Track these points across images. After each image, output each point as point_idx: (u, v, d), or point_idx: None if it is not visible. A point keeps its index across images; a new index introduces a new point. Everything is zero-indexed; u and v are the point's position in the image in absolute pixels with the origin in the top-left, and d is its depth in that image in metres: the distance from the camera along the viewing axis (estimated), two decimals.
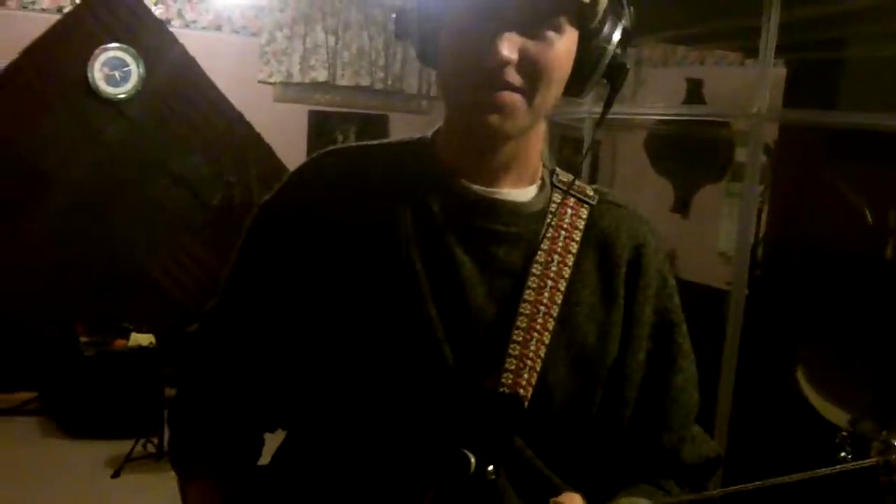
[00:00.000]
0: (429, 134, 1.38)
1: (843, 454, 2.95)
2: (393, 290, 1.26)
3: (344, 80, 6.24)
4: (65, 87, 5.68)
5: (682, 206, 5.27)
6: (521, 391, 1.22)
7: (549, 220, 1.32)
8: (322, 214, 1.32)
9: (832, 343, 3.34)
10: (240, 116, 6.06)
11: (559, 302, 1.27)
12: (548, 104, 1.23)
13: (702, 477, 1.40)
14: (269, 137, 6.17)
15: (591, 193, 1.38)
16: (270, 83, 6.17)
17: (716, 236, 5.34)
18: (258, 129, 6.13)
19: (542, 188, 1.36)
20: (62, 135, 5.71)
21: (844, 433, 3.00)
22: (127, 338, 5.46)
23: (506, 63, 1.16)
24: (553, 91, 1.22)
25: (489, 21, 1.17)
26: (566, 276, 1.29)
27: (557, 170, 1.40)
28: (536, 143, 1.32)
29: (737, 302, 3.17)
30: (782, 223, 3.72)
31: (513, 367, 1.23)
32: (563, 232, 1.32)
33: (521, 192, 1.33)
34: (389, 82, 6.36)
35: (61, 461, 5.02)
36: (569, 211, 1.34)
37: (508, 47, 1.16)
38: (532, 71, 1.19)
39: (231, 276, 1.41)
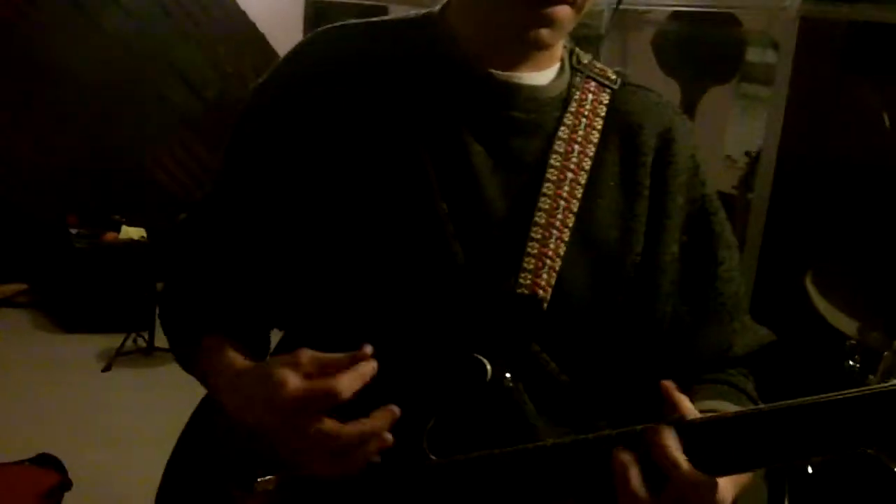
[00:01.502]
0: (436, 8, 1.26)
1: (850, 363, 2.90)
2: (400, 182, 1.15)
3: None
4: None
5: (688, 107, 5.14)
6: (541, 292, 1.13)
7: (569, 107, 1.22)
8: (321, 95, 1.20)
9: (843, 251, 3.26)
10: (235, 5, 5.88)
11: (579, 196, 1.17)
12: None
13: (758, 364, 1.31)
14: (265, 28, 6.00)
15: (614, 77, 1.27)
16: None
17: (722, 140, 5.21)
18: (253, 18, 5.95)
19: (561, 70, 1.25)
20: (60, 23, 5.53)
21: (853, 342, 2.94)
22: (118, 230, 5.38)
23: None
24: None
25: None
26: (587, 167, 1.19)
27: (577, 49, 1.29)
28: None
29: (758, 210, 3.07)
30: (798, 129, 3.60)
31: (531, 266, 1.13)
32: (583, 119, 1.22)
33: (540, 76, 1.22)
34: None
35: (52, 355, 5.00)
36: (590, 96, 1.24)
37: None
38: None
39: (224, 162, 1.29)
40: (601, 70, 1.27)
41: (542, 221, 1.15)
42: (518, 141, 1.18)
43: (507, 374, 1.10)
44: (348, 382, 1.01)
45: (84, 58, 5.59)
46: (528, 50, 1.18)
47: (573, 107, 1.22)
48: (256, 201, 1.24)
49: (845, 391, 0.85)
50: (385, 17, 1.30)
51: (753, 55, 4.68)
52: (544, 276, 1.13)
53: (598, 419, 1.16)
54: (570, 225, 1.16)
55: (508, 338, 1.13)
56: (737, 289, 1.30)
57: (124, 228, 5.38)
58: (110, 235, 5.33)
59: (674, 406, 1.00)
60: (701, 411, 1.02)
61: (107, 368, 4.83)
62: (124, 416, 4.37)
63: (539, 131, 1.19)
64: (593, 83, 1.25)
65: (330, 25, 1.28)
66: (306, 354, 1.04)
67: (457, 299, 1.13)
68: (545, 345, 1.15)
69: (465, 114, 1.17)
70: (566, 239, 1.15)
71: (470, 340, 1.11)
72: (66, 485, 2.92)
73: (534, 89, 1.20)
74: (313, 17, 6.17)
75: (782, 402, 0.91)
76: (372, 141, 1.18)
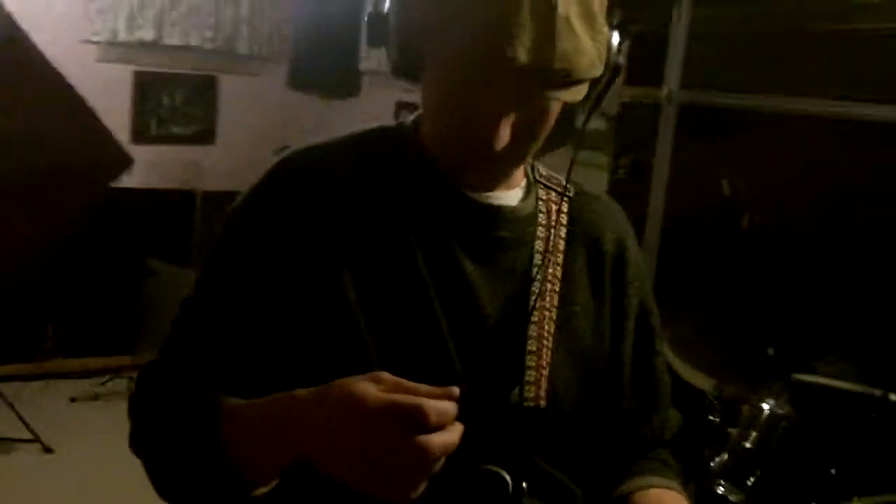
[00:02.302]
0: (408, 120, 1.32)
1: (711, 418, 3.10)
2: (400, 302, 1.20)
3: (173, 40, 5.96)
4: None
5: None
6: (542, 402, 1.20)
7: (538, 220, 1.31)
8: (303, 216, 1.24)
9: (693, 311, 3.47)
10: (60, 77, 5.71)
11: (557, 305, 1.26)
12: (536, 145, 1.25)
13: (675, 446, 1.46)
14: (93, 100, 5.84)
15: (564, 185, 1.37)
16: (94, 42, 5.83)
17: None
18: (80, 90, 5.79)
19: (528, 187, 1.34)
20: None
21: (711, 398, 3.15)
22: None
23: (499, 144, 1.16)
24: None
25: (489, 92, 1.13)
26: (559, 276, 1.28)
27: (536, 164, 1.38)
28: None
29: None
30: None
31: (532, 378, 1.20)
32: (552, 230, 1.31)
33: (512, 194, 1.32)
34: (219, 42, 6.13)
35: None
36: (553, 206, 1.34)
37: (503, 133, 1.16)
38: (524, 138, 1.20)
39: (205, 275, 1.30)
40: (556, 180, 1.37)
41: (535, 334, 1.22)
42: (505, 257, 1.26)
43: (525, 484, 1.16)
44: (435, 409, 0.94)
45: None
46: (486, 174, 1.26)
47: (542, 219, 1.31)
48: (236, 316, 1.24)
49: None
50: (353, 133, 1.34)
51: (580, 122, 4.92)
52: (543, 386, 1.20)
53: None
54: (553, 333, 1.23)
55: (518, 450, 1.18)
56: (668, 379, 1.43)
57: None
58: None
59: None
60: (638, 487, 1.29)
61: None
62: None
63: (522, 247, 1.27)
64: (553, 194, 1.34)
65: (300, 148, 1.32)
66: (387, 375, 1.00)
67: (462, 413, 1.16)
68: (546, 454, 1.23)
69: (456, 235, 1.24)
70: (552, 347, 1.23)
71: (480, 454, 1.15)
72: None
73: (512, 209, 1.28)
74: (142, 87, 6.07)
75: None
76: (361, 258, 1.21)
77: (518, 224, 1.29)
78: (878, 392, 2.79)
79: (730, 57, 3.50)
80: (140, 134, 6.11)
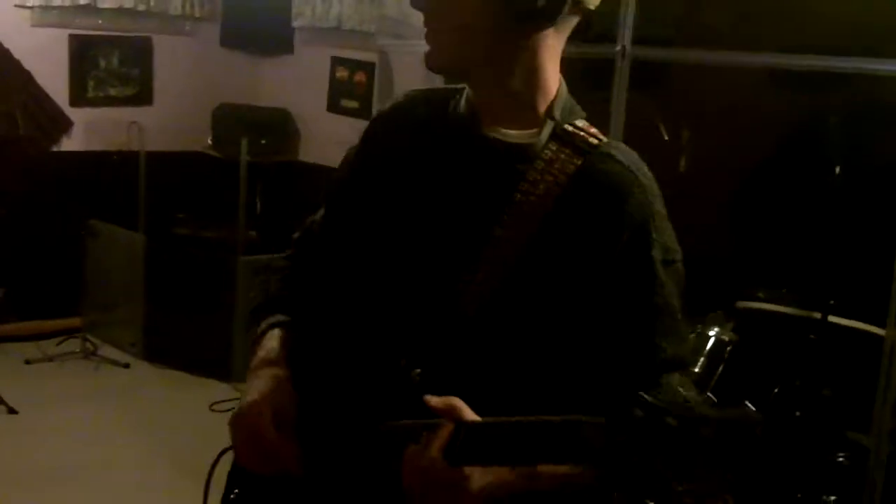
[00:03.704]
0: None
1: None
2: (405, 207, 1.51)
3: (106, 3, 5.98)
4: None
5: None
6: (470, 312, 1.42)
7: (535, 164, 1.45)
8: (383, 140, 1.61)
9: None
10: None
11: (525, 239, 1.42)
12: (458, 41, 1.44)
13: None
14: (29, 64, 5.85)
15: (595, 143, 1.47)
16: (28, 7, 5.82)
17: None
18: (17, 55, 5.80)
19: (540, 131, 1.47)
20: None
21: None
22: None
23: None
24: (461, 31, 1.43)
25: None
26: (539, 217, 1.42)
27: (575, 110, 1.52)
28: (520, 88, 1.46)
29: None
30: None
31: (468, 290, 1.42)
32: (547, 177, 1.43)
33: (517, 134, 1.48)
34: (153, 3, 6.16)
35: None
36: (562, 156, 1.45)
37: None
38: (430, 20, 1.45)
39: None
40: (585, 136, 1.48)
41: (489, 254, 1.43)
42: (491, 184, 1.46)
43: (417, 371, 1.41)
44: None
45: None
46: (479, 98, 1.49)
47: (539, 164, 1.45)
48: (334, 213, 1.67)
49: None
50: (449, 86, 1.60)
51: None
52: (477, 300, 1.42)
53: None
54: (513, 262, 1.42)
55: (431, 342, 1.43)
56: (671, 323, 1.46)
57: None
58: None
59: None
60: None
61: None
62: None
63: (510, 178, 1.45)
64: (570, 147, 1.47)
65: (414, 89, 1.66)
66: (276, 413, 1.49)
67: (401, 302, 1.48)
68: (466, 355, 1.43)
69: (459, 161, 1.50)
70: (503, 271, 1.42)
71: (403, 350, 1.44)
72: None
73: (507, 145, 1.47)
74: (78, 50, 6.09)
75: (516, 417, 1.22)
76: (400, 176, 1.54)
77: (509, 158, 1.46)
78: (817, 315, 3.04)
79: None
80: (78, 97, 6.12)
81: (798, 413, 3.03)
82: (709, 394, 3.09)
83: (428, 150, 1.53)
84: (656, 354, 1.42)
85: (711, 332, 3.28)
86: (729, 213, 4.05)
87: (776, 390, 3.13)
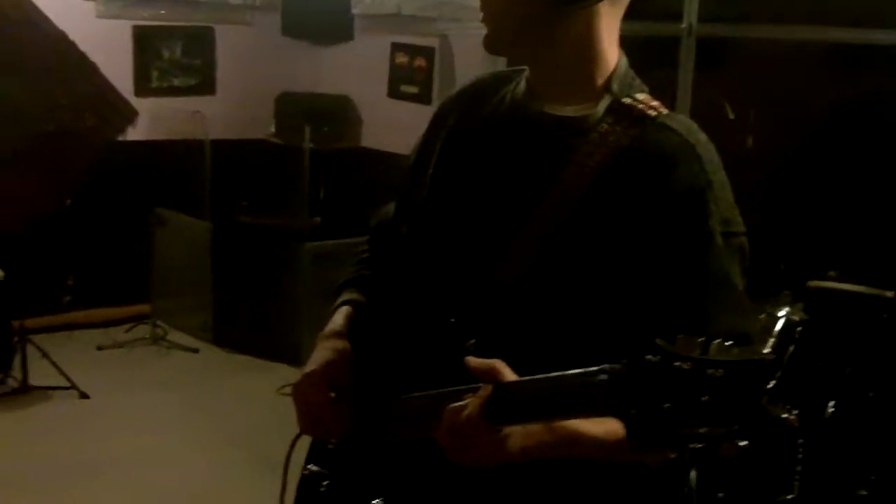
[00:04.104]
0: None
1: None
2: (458, 189, 1.56)
3: None
4: None
5: None
6: (514, 282, 1.44)
7: (589, 137, 1.44)
8: (451, 119, 1.64)
9: None
10: (63, 35, 5.79)
11: (568, 213, 1.42)
12: (506, 23, 1.47)
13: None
14: (94, 56, 5.92)
15: (654, 115, 1.45)
16: None
17: None
18: (82, 47, 5.87)
19: (596, 106, 1.47)
20: None
21: None
22: None
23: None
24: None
25: None
26: (585, 190, 1.42)
27: (636, 83, 1.51)
28: (576, 63, 1.47)
29: None
30: None
31: (513, 258, 1.45)
32: (600, 150, 1.43)
33: (570, 109, 1.48)
34: None
35: None
36: (617, 129, 1.44)
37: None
38: (485, 3, 1.48)
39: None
40: (643, 109, 1.46)
41: (534, 227, 1.44)
42: (544, 158, 1.48)
43: (472, 340, 1.43)
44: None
45: None
46: (533, 74, 1.53)
47: (594, 137, 1.44)
48: (405, 195, 1.70)
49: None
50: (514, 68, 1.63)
51: None
52: (520, 269, 1.44)
53: None
54: (558, 231, 1.43)
55: (484, 314, 1.45)
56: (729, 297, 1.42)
57: None
58: None
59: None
60: None
61: None
62: (12, 456, 4.34)
63: (563, 152, 1.46)
64: (626, 120, 1.45)
65: (481, 73, 1.71)
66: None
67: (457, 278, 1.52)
68: (512, 324, 1.44)
69: (515, 138, 1.53)
70: (549, 241, 1.43)
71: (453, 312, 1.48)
72: None
73: (561, 120, 1.48)
74: (141, 41, 6.16)
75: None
76: (464, 156, 1.58)
77: (564, 132, 1.46)
78: (889, 294, 2.98)
79: None
80: (142, 87, 6.20)
81: (871, 394, 2.98)
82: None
83: (489, 130, 1.57)
84: (710, 325, 1.24)
85: (781, 313, 3.22)
86: (797, 191, 3.99)
87: (848, 371, 3.08)
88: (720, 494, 2.69)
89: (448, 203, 1.58)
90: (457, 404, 1.31)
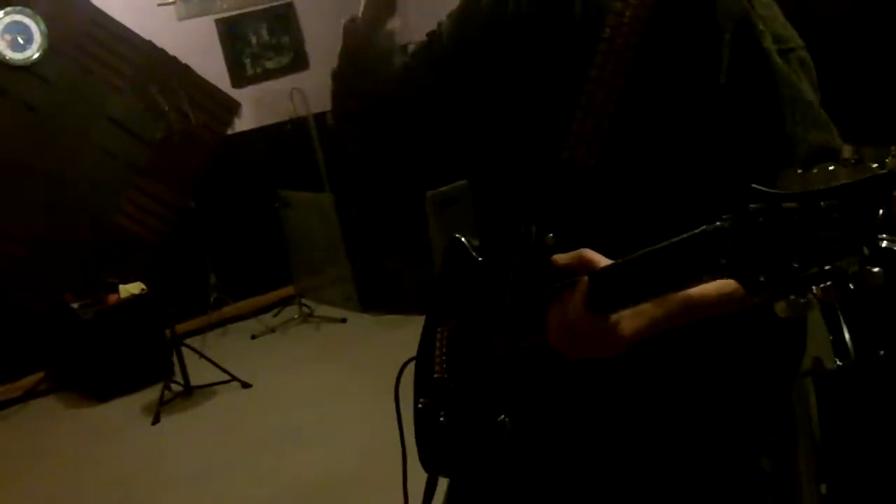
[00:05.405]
0: None
1: None
2: (502, 81, 1.49)
3: None
4: None
5: None
6: (590, 162, 1.34)
7: None
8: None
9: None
10: (151, 44, 5.91)
11: (627, 72, 1.33)
12: None
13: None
14: (185, 58, 6.04)
15: None
16: (170, 3, 5.99)
17: None
18: (172, 51, 5.99)
19: None
20: None
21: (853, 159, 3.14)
22: (116, 291, 5.43)
23: None
24: None
25: None
26: (635, 44, 1.33)
27: None
28: None
29: None
30: None
31: (580, 139, 1.35)
32: (635, 1, 1.35)
33: None
34: None
35: (98, 425, 5.06)
36: None
37: None
38: None
39: None
40: None
41: (586, 101, 1.35)
42: (581, 28, 1.40)
43: (550, 235, 1.34)
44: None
45: (21, 140, 5.60)
46: None
47: None
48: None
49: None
50: None
51: None
52: (591, 148, 1.35)
53: None
54: (613, 100, 1.33)
55: (556, 203, 1.36)
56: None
57: (122, 287, 5.43)
58: (112, 298, 5.38)
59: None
60: None
61: (156, 421, 4.89)
62: (186, 456, 4.49)
63: (598, 16, 1.37)
64: None
65: None
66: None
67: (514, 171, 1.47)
68: (591, 208, 1.35)
69: (551, 17, 1.44)
70: (611, 111, 1.33)
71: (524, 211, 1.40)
72: None
73: None
74: (227, 32, 6.23)
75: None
76: (502, 45, 1.50)
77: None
78: None
79: None
80: (238, 77, 6.28)
81: None
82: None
83: (525, 17, 1.48)
84: (795, 146, 1.25)
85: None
86: None
87: None
88: (881, 352, 2.52)
89: (497, 95, 1.51)
90: (559, 302, 1.24)
